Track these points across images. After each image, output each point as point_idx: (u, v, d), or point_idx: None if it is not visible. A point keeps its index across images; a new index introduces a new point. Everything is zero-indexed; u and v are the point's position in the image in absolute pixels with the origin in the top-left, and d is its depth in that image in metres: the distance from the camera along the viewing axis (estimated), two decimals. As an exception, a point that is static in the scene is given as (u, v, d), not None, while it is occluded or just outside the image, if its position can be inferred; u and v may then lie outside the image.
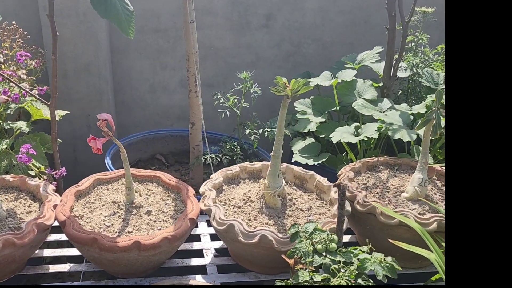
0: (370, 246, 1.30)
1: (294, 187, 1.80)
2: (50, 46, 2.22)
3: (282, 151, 1.62)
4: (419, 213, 1.60)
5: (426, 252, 1.34)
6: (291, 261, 1.22)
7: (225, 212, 1.60)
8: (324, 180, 1.75)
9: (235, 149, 2.32)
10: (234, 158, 2.34)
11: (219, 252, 1.73)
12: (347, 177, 1.78)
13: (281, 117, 1.57)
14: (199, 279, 1.56)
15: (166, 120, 3.06)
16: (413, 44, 2.55)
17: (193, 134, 2.26)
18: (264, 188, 1.64)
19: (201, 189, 1.68)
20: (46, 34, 2.46)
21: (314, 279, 1.18)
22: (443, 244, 1.41)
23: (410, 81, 2.46)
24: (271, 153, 1.62)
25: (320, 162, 2.15)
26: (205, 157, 2.25)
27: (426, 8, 2.40)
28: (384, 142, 2.30)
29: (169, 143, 2.65)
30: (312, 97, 2.43)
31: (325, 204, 1.71)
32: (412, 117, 2.10)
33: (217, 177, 1.76)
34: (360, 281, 1.24)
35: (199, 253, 1.73)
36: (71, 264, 1.61)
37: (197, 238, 1.81)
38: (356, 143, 2.07)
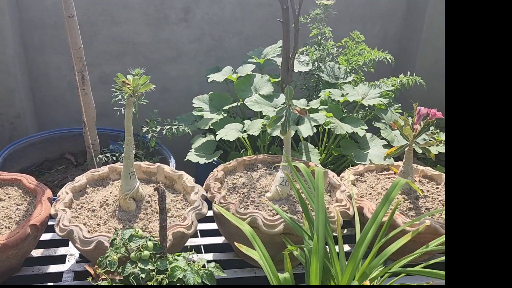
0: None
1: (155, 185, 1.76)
2: None
3: (134, 151, 1.58)
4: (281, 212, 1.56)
5: (253, 252, 1.31)
6: (91, 270, 1.18)
7: (77, 217, 1.57)
8: (189, 181, 1.72)
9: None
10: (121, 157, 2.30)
11: (82, 258, 1.69)
12: (215, 177, 1.74)
13: (127, 116, 1.53)
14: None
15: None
16: (320, 37, 2.50)
17: (87, 133, 2.22)
18: (118, 191, 1.60)
19: (59, 192, 1.64)
20: None
21: (113, 290, 1.14)
22: (289, 245, 1.38)
23: (314, 75, 2.42)
24: (123, 154, 1.57)
25: (211, 160, 2.11)
26: (100, 157, 2.21)
27: (327, 0, 2.35)
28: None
29: (78, 141, 2.60)
30: (210, 93, 2.38)
31: (187, 206, 1.67)
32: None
33: (81, 179, 1.72)
34: (171, 289, 1.20)
35: (63, 260, 1.69)
36: None
37: (66, 243, 1.77)
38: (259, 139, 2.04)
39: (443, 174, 1.87)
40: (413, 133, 1.65)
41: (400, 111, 2.38)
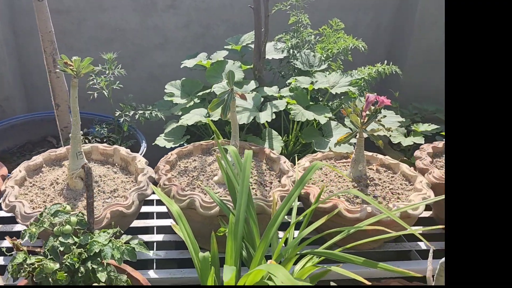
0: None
1: (110, 167, 1.79)
2: None
3: (81, 132, 1.62)
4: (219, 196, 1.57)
5: (180, 231, 1.33)
6: (9, 241, 1.22)
7: (26, 194, 1.61)
8: (140, 163, 1.75)
9: (103, 132, 2.32)
10: (104, 140, 2.34)
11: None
12: (166, 160, 1.76)
13: (72, 98, 1.56)
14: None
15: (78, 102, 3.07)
16: (298, 25, 2.48)
17: (60, 116, 2.26)
18: (67, 170, 1.64)
19: (14, 170, 1.69)
20: None
21: (28, 262, 1.18)
22: (224, 228, 1.39)
23: (290, 63, 2.40)
24: (70, 135, 1.61)
25: (178, 145, 2.13)
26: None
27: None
28: (252, 124, 2.25)
29: (61, 125, 2.66)
30: (183, 79, 2.40)
31: (135, 187, 1.70)
32: (262, 100, 2.05)
33: (37, 158, 1.76)
34: (89, 264, 1.23)
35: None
36: None
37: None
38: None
39: (401, 164, 1.84)
40: (362, 120, 1.63)
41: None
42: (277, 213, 1.26)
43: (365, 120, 1.63)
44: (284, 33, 2.49)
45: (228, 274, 0.97)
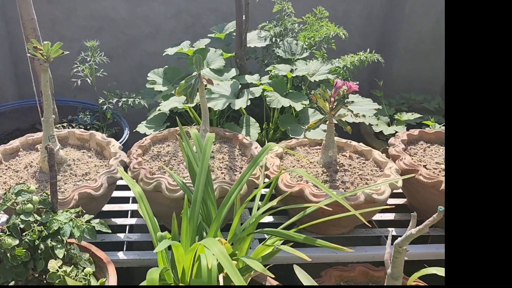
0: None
1: (86, 151, 1.82)
2: None
3: (53, 116, 1.65)
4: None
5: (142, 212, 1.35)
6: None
7: (0, 176, 1.65)
8: (114, 147, 1.77)
9: (86, 119, 2.35)
10: (88, 127, 2.38)
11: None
12: (139, 145, 1.79)
13: (43, 82, 1.59)
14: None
15: (68, 91, 3.11)
16: (283, 13, 2.49)
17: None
18: (40, 154, 1.68)
19: (-10, 154, 1.73)
20: None
21: (-13, 237, 1.21)
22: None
23: (273, 51, 2.41)
24: (42, 119, 1.64)
25: (157, 132, 2.15)
26: (57, 126, 2.29)
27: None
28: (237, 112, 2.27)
29: (50, 112, 2.70)
30: (165, 67, 2.42)
31: (107, 165, 1.73)
32: (240, 87, 2.07)
33: (13, 142, 1.80)
34: (48, 242, 1.26)
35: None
36: None
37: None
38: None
39: (373, 150, 1.85)
40: (330, 106, 1.64)
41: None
42: (229, 193, 1.28)
43: (334, 106, 1.64)
44: (267, 22, 2.50)
45: (161, 246, 0.99)
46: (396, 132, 2.32)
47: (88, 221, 1.32)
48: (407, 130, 2.33)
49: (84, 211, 1.36)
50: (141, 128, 2.23)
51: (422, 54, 3.10)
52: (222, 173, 1.68)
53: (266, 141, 2.24)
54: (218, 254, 0.93)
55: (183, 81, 1.56)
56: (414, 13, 2.99)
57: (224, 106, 1.95)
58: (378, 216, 1.87)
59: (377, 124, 2.40)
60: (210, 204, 1.32)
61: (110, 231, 1.34)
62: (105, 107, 2.36)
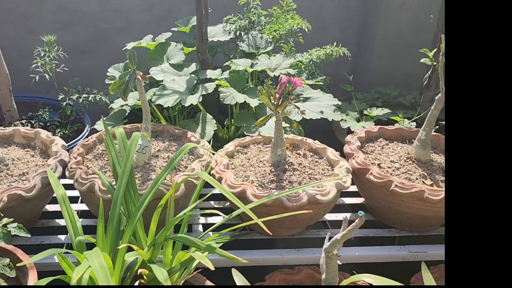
0: None
1: (29, 150, 1.77)
2: None
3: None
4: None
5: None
6: None
7: None
8: (56, 146, 1.72)
9: (44, 116, 2.30)
10: (48, 124, 2.33)
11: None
12: (82, 144, 1.74)
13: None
14: None
15: (42, 87, 3.06)
16: (249, 6, 2.41)
17: (1, 99, 2.25)
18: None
19: None
20: None
21: None
22: None
23: (237, 45, 2.34)
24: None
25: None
26: (16, 123, 2.25)
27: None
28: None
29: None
30: (126, 61, 2.36)
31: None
32: (195, 82, 2.00)
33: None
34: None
35: None
36: None
37: None
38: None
39: (327, 148, 1.78)
40: (275, 102, 1.57)
41: (322, 83, 2.27)
42: (144, 195, 1.22)
43: (279, 102, 1.57)
44: (232, 15, 2.42)
45: (40, 255, 0.93)
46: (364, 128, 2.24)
47: (4, 225, 1.27)
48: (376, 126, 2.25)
49: (2, 215, 1.30)
50: (100, 125, 2.17)
51: (401, 47, 3.01)
52: (164, 172, 1.61)
53: (228, 138, 2.18)
54: (96, 267, 0.87)
55: (118, 78, 1.49)
56: (391, 4, 2.90)
57: (175, 103, 1.88)
58: (332, 216, 1.80)
59: (345, 120, 2.32)
60: (132, 207, 1.26)
61: (30, 235, 1.29)
62: (64, 103, 2.30)
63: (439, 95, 1.63)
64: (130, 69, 1.49)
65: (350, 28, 3.14)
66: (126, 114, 2.21)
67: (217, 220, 1.77)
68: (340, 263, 1.24)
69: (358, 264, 1.67)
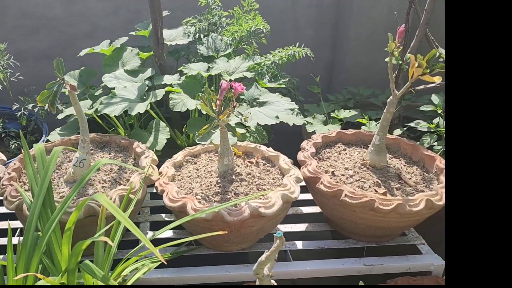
0: None
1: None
2: None
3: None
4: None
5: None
6: None
7: None
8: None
9: (-1, 125, 2.23)
10: (3, 135, 2.25)
11: None
12: (20, 157, 1.65)
13: None
14: None
15: (7, 95, 2.99)
16: (211, 8, 2.32)
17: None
18: None
19: None
20: None
21: None
22: None
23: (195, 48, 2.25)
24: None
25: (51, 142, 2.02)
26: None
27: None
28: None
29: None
30: (82, 68, 2.28)
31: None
32: (146, 89, 1.91)
33: None
34: None
35: None
36: None
37: None
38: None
39: (280, 156, 1.69)
40: (217, 110, 1.48)
41: (284, 86, 2.18)
42: (52, 217, 1.13)
43: (221, 110, 1.48)
44: (192, 17, 2.33)
45: None
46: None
47: None
48: (342, 128, 2.17)
49: None
50: (54, 135, 2.08)
51: (376, 44, 2.90)
52: (102, 187, 1.53)
53: (188, 145, 2.09)
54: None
55: (46, 88, 1.41)
56: (364, 2, 2.80)
57: (121, 112, 1.80)
58: (288, 228, 1.71)
59: (311, 124, 2.22)
60: (48, 225, 1.17)
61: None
62: (19, 113, 2.22)
63: (391, 97, 1.54)
64: (58, 79, 1.40)
65: (324, 27, 3.05)
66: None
67: (168, 234, 1.69)
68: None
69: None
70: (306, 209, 1.81)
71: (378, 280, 1.45)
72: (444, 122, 1.95)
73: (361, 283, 1.25)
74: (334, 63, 3.15)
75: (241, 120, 1.51)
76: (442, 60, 2.23)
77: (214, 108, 1.48)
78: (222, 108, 1.47)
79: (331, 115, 2.30)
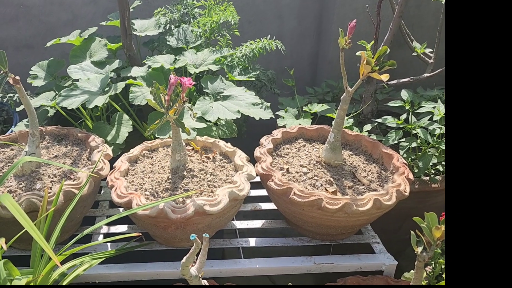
0: None
1: None
2: None
3: None
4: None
5: None
6: None
7: None
8: None
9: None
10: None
11: None
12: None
13: None
14: None
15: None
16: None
17: None
18: None
19: None
20: None
21: None
22: None
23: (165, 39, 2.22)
24: None
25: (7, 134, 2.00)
26: None
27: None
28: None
29: None
30: (50, 59, 2.25)
31: None
32: (109, 81, 1.89)
33: None
34: None
35: None
36: None
37: None
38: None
39: (237, 151, 1.66)
40: (166, 105, 1.45)
41: (254, 79, 2.14)
42: None
43: (170, 105, 1.45)
44: (163, 7, 2.30)
45: None
46: (301, 125, 2.11)
47: None
48: (315, 122, 2.13)
49: None
50: (20, 126, 2.07)
51: (360, 36, 2.85)
52: (52, 181, 1.51)
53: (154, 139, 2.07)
54: None
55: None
56: (347, -8, 2.74)
57: (79, 105, 1.78)
58: (243, 224, 1.69)
59: (283, 117, 2.19)
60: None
61: None
62: (-9, 103, 2.22)
63: (344, 94, 1.50)
64: (1, 71, 1.39)
65: (308, 17, 2.99)
66: (51, 114, 2.11)
67: (123, 229, 1.68)
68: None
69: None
70: (265, 205, 1.78)
71: (336, 279, 1.43)
72: (444, 122, 1.90)
73: (289, 284, 1.22)
74: (319, 55, 3.10)
75: (190, 116, 1.48)
76: (415, 54, 2.18)
77: (164, 103, 1.45)
78: (171, 103, 1.45)
79: (303, 109, 2.26)
